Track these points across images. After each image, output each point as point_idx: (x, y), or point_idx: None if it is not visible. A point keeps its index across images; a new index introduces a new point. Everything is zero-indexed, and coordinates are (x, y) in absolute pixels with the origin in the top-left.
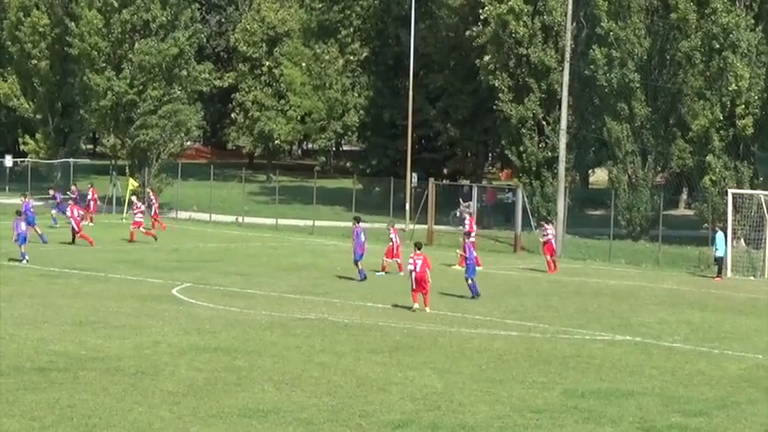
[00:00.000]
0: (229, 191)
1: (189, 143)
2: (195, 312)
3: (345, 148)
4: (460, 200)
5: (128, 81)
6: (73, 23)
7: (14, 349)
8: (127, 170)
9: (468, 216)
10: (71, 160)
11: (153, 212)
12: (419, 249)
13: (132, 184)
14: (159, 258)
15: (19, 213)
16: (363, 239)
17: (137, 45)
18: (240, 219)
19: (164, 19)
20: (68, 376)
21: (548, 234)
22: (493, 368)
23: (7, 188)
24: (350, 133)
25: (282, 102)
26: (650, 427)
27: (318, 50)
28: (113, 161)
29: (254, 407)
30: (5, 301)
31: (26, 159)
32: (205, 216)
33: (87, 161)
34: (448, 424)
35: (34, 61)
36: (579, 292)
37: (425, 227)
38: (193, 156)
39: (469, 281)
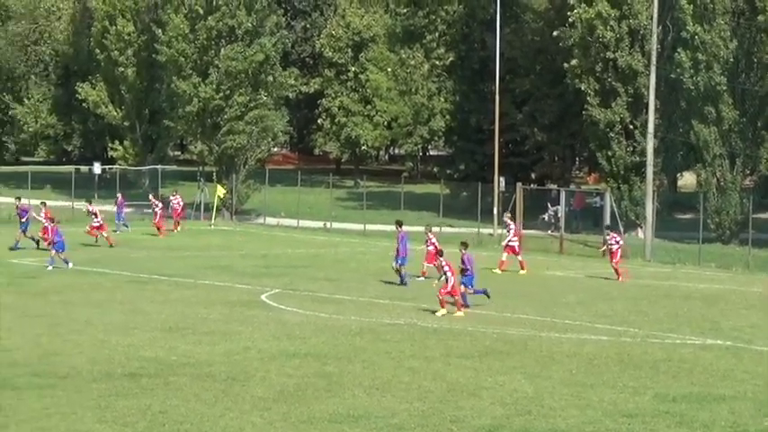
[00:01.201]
0: (317, 196)
1: (276, 149)
2: (285, 318)
3: (432, 152)
4: (548, 204)
5: (214, 87)
6: (159, 30)
7: (106, 355)
8: (214, 176)
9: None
10: (159, 167)
11: (158, 218)
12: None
13: (220, 190)
14: (248, 264)
15: (54, 220)
16: (407, 244)
17: (223, 51)
18: (328, 224)
19: (249, 25)
20: (159, 382)
21: (614, 243)
22: (583, 372)
23: (96, 195)
24: (436, 138)
25: (369, 107)
26: (743, 431)
27: (404, 55)
28: (201, 167)
29: (344, 412)
30: (96, 307)
31: (114, 166)
32: (293, 222)
33: (175, 168)
34: (539, 429)
35: (121, 69)
36: (669, 295)
37: None
38: (281, 162)
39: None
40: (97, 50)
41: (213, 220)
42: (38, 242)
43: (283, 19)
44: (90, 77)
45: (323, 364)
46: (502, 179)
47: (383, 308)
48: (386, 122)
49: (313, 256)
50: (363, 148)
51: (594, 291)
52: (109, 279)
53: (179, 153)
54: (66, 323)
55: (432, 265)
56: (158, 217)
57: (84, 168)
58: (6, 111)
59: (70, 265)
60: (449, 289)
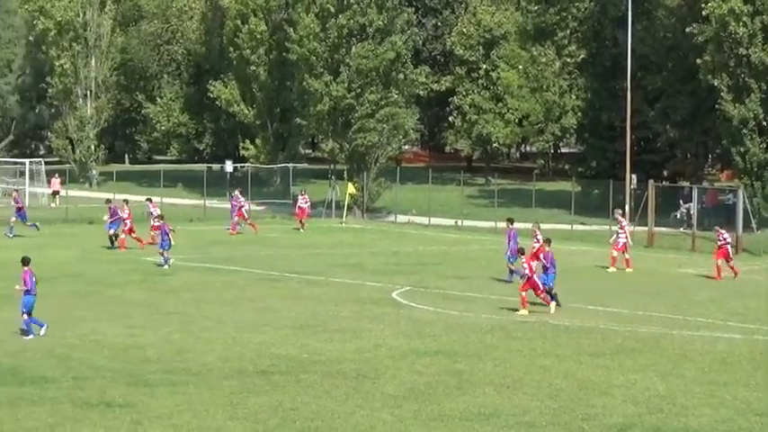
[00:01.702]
0: (448, 194)
1: (407, 147)
2: (415, 316)
3: (564, 150)
4: (681, 201)
5: (345, 85)
6: (291, 29)
7: (237, 353)
8: (345, 174)
9: (621, 219)
10: (290, 165)
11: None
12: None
13: (351, 188)
14: (378, 262)
15: (162, 218)
16: (517, 241)
17: (354, 49)
18: (459, 222)
19: (380, 23)
20: (290, 379)
21: (722, 240)
22: (716, 371)
23: (228, 193)
24: (568, 135)
25: (500, 105)
26: None
27: (535, 53)
28: (332, 165)
29: (475, 410)
30: (228, 305)
31: (246, 164)
32: (424, 219)
33: (306, 166)
34: (671, 427)
35: (253, 67)
36: None
37: (645, 229)
38: (412, 159)
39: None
40: (230, 49)
41: (344, 218)
42: (113, 241)
43: (414, 17)
44: (222, 76)
45: (453, 361)
46: (633, 176)
47: (514, 305)
48: (517, 120)
49: (444, 254)
50: (495, 145)
51: (727, 288)
52: (240, 277)
53: (310, 151)
54: (198, 320)
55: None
56: (236, 213)
57: (215, 167)
58: (139, 110)
59: (171, 261)
60: (533, 285)
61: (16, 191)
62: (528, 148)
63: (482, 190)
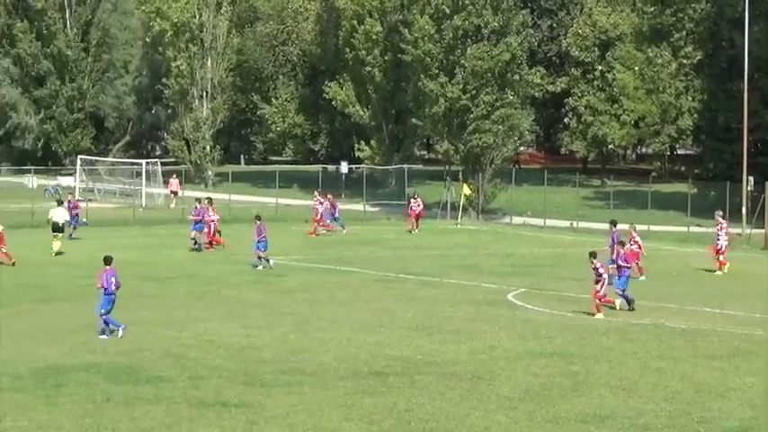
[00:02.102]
0: (563, 195)
1: (522, 148)
2: (530, 317)
3: (680, 152)
4: None
5: (460, 86)
6: (406, 30)
7: (352, 353)
8: (460, 175)
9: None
10: (405, 166)
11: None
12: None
13: (466, 189)
14: (494, 263)
15: (259, 218)
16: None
17: (469, 50)
18: (575, 224)
19: (495, 24)
20: (405, 380)
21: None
22: None
23: (343, 194)
24: (684, 137)
25: (615, 106)
26: None
27: (651, 54)
28: (447, 166)
29: (590, 412)
30: (343, 305)
31: (361, 166)
32: (539, 221)
33: (421, 167)
34: None
35: (368, 68)
36: None
37: (762, 231)
38: (527, 161)
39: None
40: (346, 50)
41: (459, 219)
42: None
43: (530, 18)
44: (337, 77)
45: (569, 363)
46: (750, 178)
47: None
48: (633, 121)
49: (559, 256)
50: (610, 147)
51: None
52: (355, 277)
53: (425, 152)
54: (313, 321)
55: (635, 264)
56: (319, 215)
57: (330, 168)
58: (255, 111)
59: (272, 262)
60: (601, 292)
61: (70, 194)
62: (644, 150)
63: (597, 191)
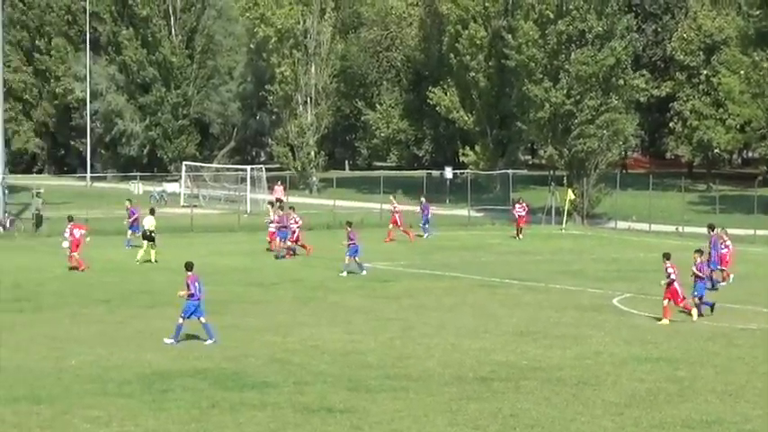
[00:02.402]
0: (669, 200)
1: (627, 152)
2: (636, 323)
3: None
4: None
5: (565, 91)
6: (510, 35)
7: (457, 359)
8: (565, 180)
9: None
10: (509, 171)
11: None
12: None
13: (570, 194)
14: (599, 268)
15: (350, 224)
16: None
17: (573, 55)
18: (680, 228)
19: (600, 29)
20: (510, 386)
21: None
22: None
23: (447, 200)
24: None
25: (721, 110)
26: None
27: (757, 58)
28: (551, 171)
29: (697, 417)
30: (448, 311)
31: (466, 171)
32: (644, 226)
33: (525, 172)
34: None
35: (472, 73)
36: None
37: None
38: (632, 165)
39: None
40: (450, 55)
41: (564, 225)
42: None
43: (634, 22)
44: (441, 82)
45: (675, 369)
46: None
47: (735, 313)
48: (738, 125)
49: None
50: (715, 151)
51: None
52: (460, 283)
53: (529, 157)
54: (418, 327)
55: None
56: (400, 221)
57: (435, 173)
58: (359, 116)
59: (364, 272)
60: (673, 294)
61: (129, 200)
62: (750, 154)
63: (703, 196)
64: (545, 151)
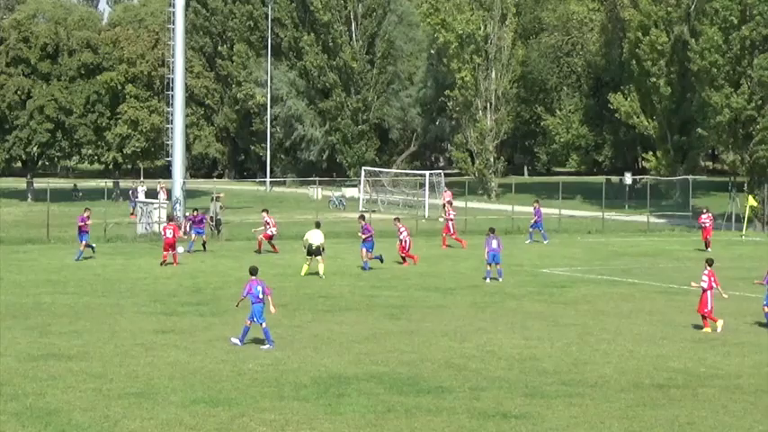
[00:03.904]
0: None
1: None
2: None
3: None
4: None
5: (746, 96)
6: (693, 40)
7: (634, 366)
8: (746, 186)
9: None
10: (690, 177)
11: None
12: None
13: (751, 200)
14: None
15: (492, 231)
16: None
17: (756, 60)
18: None
19: None
20: (687, 393)
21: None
22: None
23: (626, 205)
24: None
25: None
26: None
27: None
28: (732, 178)
29: None
30: (626, 317)
31: (645, 176)
32: None
33: (705, 178)
34: None
35: (653, 79)
36: None
37: None
38: None
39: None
40: (631, 60)
41: (745, 231)
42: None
43: None
44: (622, 87)
45: None
46: None
47: None
48: None
49: None
50: None
51: None
52: (639, 289)
53: (710, 163)
54: (595, 332)
55: None
56: (453, 229)
57: (614, 178)
58: (538, 122)
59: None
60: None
61: (196, 210)
62: None
63: None
64: (726, 157)
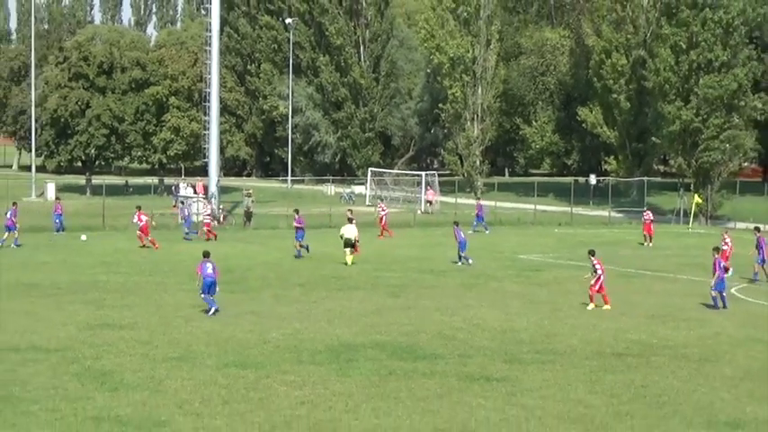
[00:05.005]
0: None
1: (746, 164)
2: (751, 309)
3: None
4: None
5: (694, 111)
6: (650, 60)
7: (597, 337)
8: (692, 187)
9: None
10: (645, 178)
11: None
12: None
13: (697, 198)
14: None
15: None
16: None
17: (701, 80)
18: None
19: (724, 58)
20: (642, 361)
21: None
22: None
23: (591, 202)
24: None
25: None
26: None
27: None
28: (680, 179)
29: None
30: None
31: (607, 177)
32: (760, 226)
33: (658, 179)
34: None
35: (614, 95)
36: None
37: None
38: (750, 174)
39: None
40: (595, 79)
41: (691, 225)
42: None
43: (754, 52)
44: (588, 102)
45: None
46: None
47: None
48: None
49: None
50: None
51: None
52: None
53: (662, 167)
54: (564, 309)
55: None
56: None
57: (581, 179)
58: (517, 131)
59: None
60: (597, 287)
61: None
62: None
63: None
64: (675, 161)
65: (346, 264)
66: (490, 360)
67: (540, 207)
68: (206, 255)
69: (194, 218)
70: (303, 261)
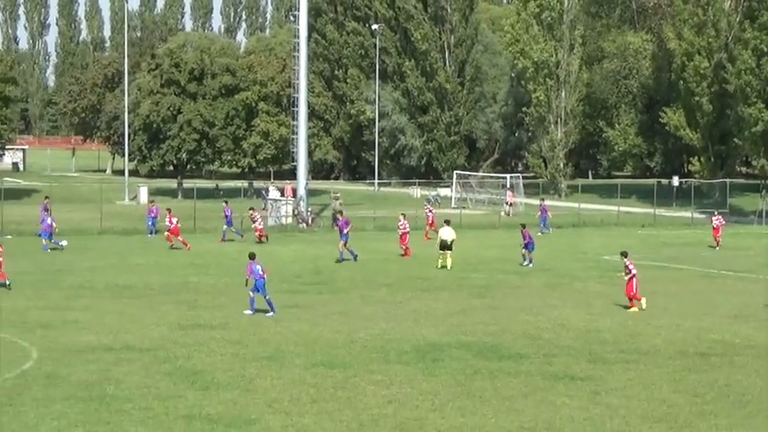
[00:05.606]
0: None
1: None
2: None
3: None
4: None
5: None
6: (730, 64)
7: (681, 337)
8: None
9: None
10: (727, 180)
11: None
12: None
13: None
14: None
15: (524, 226)
16: None
17: None
18: None
19: None
20: (725, 360)
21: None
22: None
23: (674, 203)
24: None
25: None
26: None
27: None
28: (763, 180)
29: None
30: (673, 297)
31: (690, 179)
32: None
33: (741, 181)
34: None
35: (697, 98)
36: None
37: None
38: None
39: None
40: (678, 82)
41: None
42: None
43: None
44: (671, 105)
45: None
46: None
47: None
48: None
49: None
50: None
51: None
52: (684, 273)
53: (744, 168)
54: (648, 309)
55: None
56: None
57: (664, 181)
58: (600, 134)
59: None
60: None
61: (225, 202)
62: None
63: None
64: (758, 163)
65: (437, 266)
66: (575, 359)
67: (623, 209)
68: (252, 256)
69: (283, 220)
70: (389, 262)
